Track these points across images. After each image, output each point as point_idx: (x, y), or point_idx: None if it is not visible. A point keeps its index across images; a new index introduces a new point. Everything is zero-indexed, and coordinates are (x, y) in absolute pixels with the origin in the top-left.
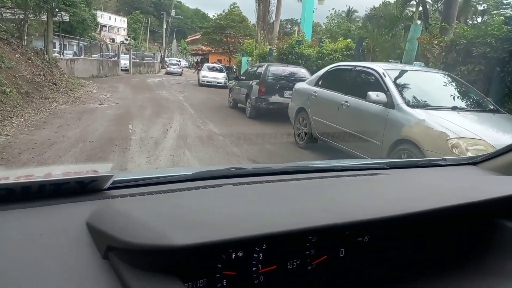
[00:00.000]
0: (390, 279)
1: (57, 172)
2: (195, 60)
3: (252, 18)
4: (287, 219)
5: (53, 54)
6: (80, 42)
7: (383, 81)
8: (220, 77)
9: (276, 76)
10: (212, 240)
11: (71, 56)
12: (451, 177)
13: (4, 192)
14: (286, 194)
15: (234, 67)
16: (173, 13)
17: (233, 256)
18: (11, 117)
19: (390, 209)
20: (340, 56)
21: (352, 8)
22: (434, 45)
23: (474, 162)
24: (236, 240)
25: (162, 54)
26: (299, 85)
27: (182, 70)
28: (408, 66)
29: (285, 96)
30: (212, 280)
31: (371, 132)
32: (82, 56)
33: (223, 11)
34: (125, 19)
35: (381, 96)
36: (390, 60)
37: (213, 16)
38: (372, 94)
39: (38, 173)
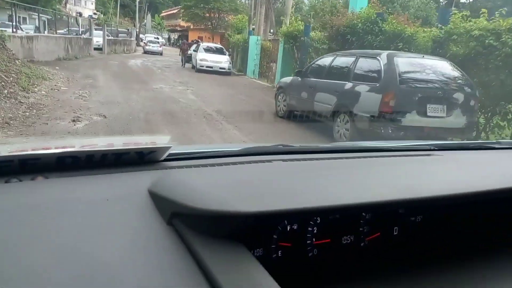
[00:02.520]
0: (441, 259)
1: (119, 142)
2: (176, 38)
3: None
4: (345, 193)
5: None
6: (41, 15)
7: None
8: (223, 60)
9: (412, 78)
10: (277, 209)
11: (31, 32)
12: (507, 160)
13: (71, 159)
14: (337, 171)
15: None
16: None
17: (288, 228)
18: None
19: (446, 189)
20: None
21: None
22: None
23: None
24: (300, 210)
25: (137, 30)
26: None
27: (162, 48)
28: None
29: (428, 114)
30: (268, 250)
31: None
32: (46, 33)
33: None
34: None
35: None
36: None
37: None
38: None
39: (101, 143)
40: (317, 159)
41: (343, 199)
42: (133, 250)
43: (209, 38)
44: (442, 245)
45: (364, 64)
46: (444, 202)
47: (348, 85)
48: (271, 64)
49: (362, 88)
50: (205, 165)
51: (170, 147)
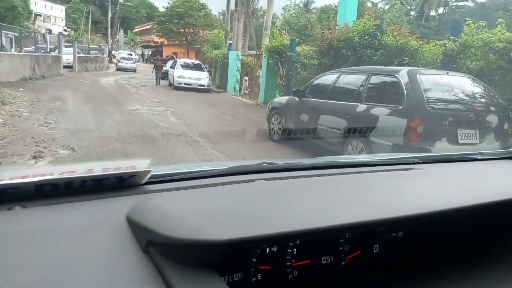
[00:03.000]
0: (424, 273)
1: (98, 168)
2: (150, 54)
3: (213, 6)
4: (322, 215)
5: None
6: (8, 32)
7: None
8: (202, 77)
9: (440, 98)
10: (250, 236)
11: None
12: (489, 171)
13: (49, 187)
14: (319, 189)
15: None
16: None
17: (268, 250)
18: None
19: (427, 206)
20: None
21: None
22: None
23: (511, 156)
24: (274, 236)
25: (110, 47)
26: None
27: (136, 65)
28: None
29: (460, 141)
30: (247, 274)
31: None
32: (12, 51)
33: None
34: (63, 8)
35: None
36: None
37: (168, 3)
38: None
39: (80, 169)
40: (299, 177)
41: (321, 221)
42: (109, 280)
43: (184, 53)
44: (424, 259)
45: (379, 83)
46: (423, 220)
47: (361, 107)
48: (244, 77)
49: (380, 111)
50: (186, 188)
51: (150, 171)
